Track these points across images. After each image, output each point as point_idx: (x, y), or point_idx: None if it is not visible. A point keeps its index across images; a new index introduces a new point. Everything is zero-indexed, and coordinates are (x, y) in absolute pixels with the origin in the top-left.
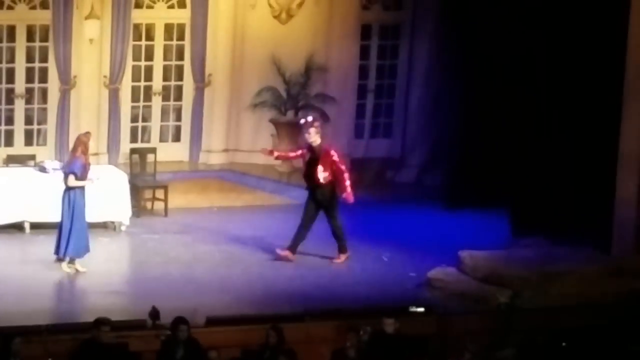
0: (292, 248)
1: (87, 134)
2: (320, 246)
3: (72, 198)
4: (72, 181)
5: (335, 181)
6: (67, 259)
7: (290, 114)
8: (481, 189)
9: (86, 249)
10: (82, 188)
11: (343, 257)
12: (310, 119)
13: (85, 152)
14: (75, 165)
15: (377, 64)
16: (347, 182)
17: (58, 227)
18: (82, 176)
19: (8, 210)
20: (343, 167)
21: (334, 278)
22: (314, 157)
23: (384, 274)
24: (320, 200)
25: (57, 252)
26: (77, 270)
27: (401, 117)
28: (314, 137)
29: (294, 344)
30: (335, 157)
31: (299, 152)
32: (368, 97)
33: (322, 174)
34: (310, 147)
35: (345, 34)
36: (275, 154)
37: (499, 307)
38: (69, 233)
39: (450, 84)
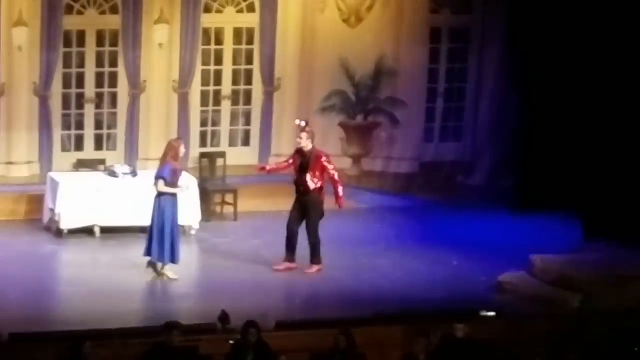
0: (290, 258)
1: (179, 140)
2: (390, 250)
3: (162, 204)
4: (161, 187)
5: (324, 187)
6: (162, 264)
7: (359, 118)
8: (552, 192)
9: (171, 257)
10: (172, 195)
11: (316, 268)
12: (303, 123)
13: (175, 157)
14: (165, 171)
15: (446, 68)
16: (340, 189)
17: (148, 230)
18: (171, 182)
19: (78, 215)
20: (334, 173)
21: (404, 282)
22: (304, 162)
23: (454, 278)
24: (306, 207)
25: (147, 253)
26: (168, 278)
27: (471, 120)
28: (305, 142)
29: (364, 348)
30: (326, 163)
31: (290, 161)
32: (438, 101)
33: (311, 182)
34: (301, 152)
35: (414, 37)
36: (268, 167)
37: (569, 311)
38: (158, 238)
39: (520, 87)
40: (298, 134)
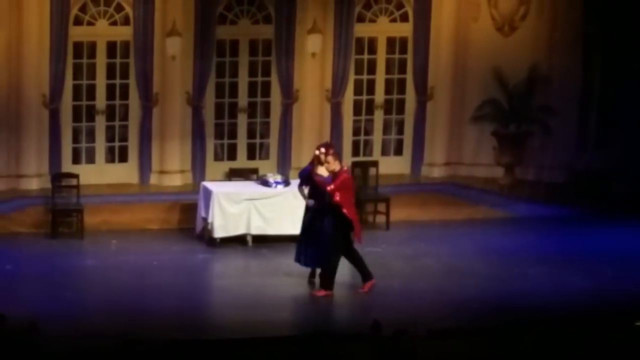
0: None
1: (321, 147)
2: (542, 260)
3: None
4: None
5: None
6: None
7: (512, 127)
8: None
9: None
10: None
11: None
12: (323, 150)
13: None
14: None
15: (600, 76)
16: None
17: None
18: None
19: (231, 224)
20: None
21: (555, 292)
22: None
23: (607, 288)
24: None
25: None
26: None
27: (625, 127)
28: (333, 164)
29: (514, 357)
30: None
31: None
32: (591, 109)
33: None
34: (333, 175)
35: (568, 45)
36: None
37: None
38: (299, 244)
39: None
40: (325, 160)
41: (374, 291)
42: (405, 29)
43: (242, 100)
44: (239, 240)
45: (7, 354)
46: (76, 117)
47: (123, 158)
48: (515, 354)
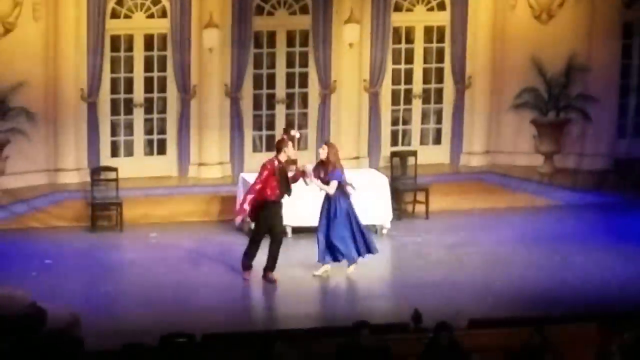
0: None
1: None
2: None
3: (343, 203)
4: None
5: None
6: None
7: (551, 115)
8: None
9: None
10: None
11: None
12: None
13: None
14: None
15: (639, 63)
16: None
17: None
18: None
19: None
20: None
21: (598, 280)
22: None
23: None
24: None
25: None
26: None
27: None
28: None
29: (558, 345)
30: None
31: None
32: (631, 96)
33: None
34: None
35: (606, 33)
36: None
37: None
38: (353, 236)
39: None
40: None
41: (415, 281)
42: (442, 18)
43: (280, 91)
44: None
45: (49, 349)
46: (114, 110)
47: (162, 151)
48: (556, 343)
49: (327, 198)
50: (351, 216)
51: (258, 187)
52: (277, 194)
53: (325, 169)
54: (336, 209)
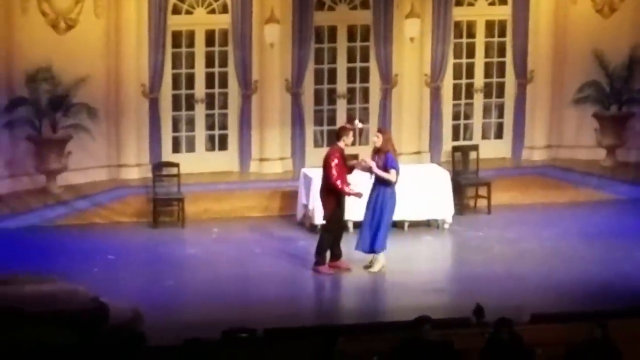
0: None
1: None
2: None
3: (389, 194)
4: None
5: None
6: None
7: (613, 109)
8: None
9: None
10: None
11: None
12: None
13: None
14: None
15: None
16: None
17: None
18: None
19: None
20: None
21: None
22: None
23: None
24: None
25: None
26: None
27: None
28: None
29: (619, 341)
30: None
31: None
32: None
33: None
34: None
35: None
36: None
37: None
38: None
39: None
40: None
41: (477, 276)
42: (504, 12)
43: (341, 86)
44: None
45: (112, 344)
46: (176, 106)
47: (223, 146)
48: (622, 339)
49: (374, 188)
50: (382, 209)
51: (338, 180)
52: (347, 182)
53: (380, 156)
54: (378, 197)
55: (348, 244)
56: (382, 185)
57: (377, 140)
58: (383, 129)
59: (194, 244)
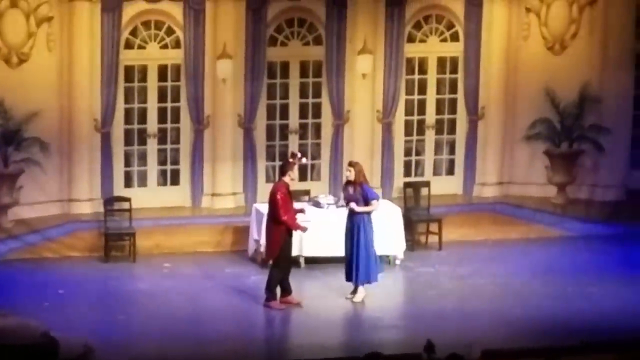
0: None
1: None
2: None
3: (366, 225)
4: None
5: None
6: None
7: (564, 146)
8: None
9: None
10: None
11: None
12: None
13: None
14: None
15: None
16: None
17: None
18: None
19: None
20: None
21: (614, 311)
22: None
23: None
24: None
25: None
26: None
27: None
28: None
29: None
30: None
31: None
32: None
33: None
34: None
35: (619, 64)
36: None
37: None
38: (366, 259)
39: None
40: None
41: (428, 312)
42: (455, 49)
43: (293, 121)
44: (292, 262)
45: None
46: (128, 140)
47: (175, 181)
48: None
49: (352, 219)
50: (367, 238)
51: (284, 216)
52: (293, 217)
53: (356, 189)
54: (360, 227)
55: (325, 279)
56: (361, 215)
57: (349, 174)
58: (353, 162)
59: (145, 278)
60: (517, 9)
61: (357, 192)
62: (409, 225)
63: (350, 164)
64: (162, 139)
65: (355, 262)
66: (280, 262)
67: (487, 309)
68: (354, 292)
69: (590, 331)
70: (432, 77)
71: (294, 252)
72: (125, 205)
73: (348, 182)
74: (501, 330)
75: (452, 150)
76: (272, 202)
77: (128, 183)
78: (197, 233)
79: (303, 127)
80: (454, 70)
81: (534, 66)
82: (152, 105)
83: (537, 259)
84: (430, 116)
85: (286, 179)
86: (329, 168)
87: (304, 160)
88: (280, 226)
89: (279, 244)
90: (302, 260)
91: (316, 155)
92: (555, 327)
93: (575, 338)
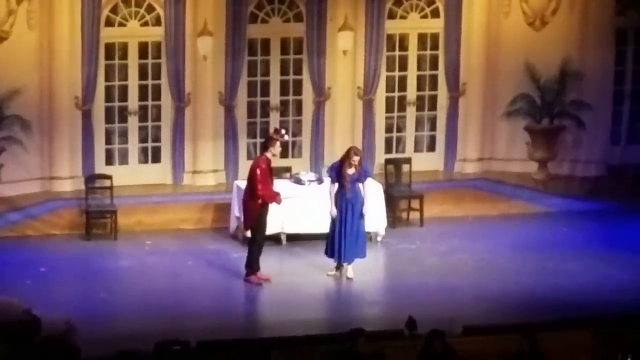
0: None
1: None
2: (578, 254)
3: (352, 202)
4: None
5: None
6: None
7: (545, 122)
8: None
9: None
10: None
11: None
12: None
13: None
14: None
15: (632, 70)
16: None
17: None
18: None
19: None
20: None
21: (592, 286)
22: None
23: None
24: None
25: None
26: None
27: None
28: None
29: (552, 352)
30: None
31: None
32: (624, 103)
33: None
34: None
35: (600, 39)
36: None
37: None
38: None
39: None
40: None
41: (410, 288)
42: (436, 25)
43: (274, 98)
44: (272, 239)
45: (45, 357)
46: (109, 118)
47: (156, 159)
48: (554, 350)
49: (345, 196)
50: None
51: (261, 190)
52: (272, 193)
53: (358, 170)
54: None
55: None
56: (354, 192)
57: (356, 161)
58: (357, 149)
59: (126, 256)
60: None
61: (358, 173)
62: (390, 201)
63: (357, 154)
64: (143, 117)
65: (345, 239)
66: (257, 236)
67: (467, 285)
68: (338, 268)
69: (569, 307)
70: (412, 53)
71: (276, 229)
72: (107, 182)
73: (350, 165)
74: (482, 307)
75: (433, 127)
76: (252, 176)
77: (109, 161)
78: (178, 210)
79: (284, 104)
80: (435, 47)
81: (515, 42)
82: (133, 82)
83: (517, 235)
84: (411, 93)
85: (268, 154)
86: (310, 145)
87: (286, 137)
88: (257, 199)
89: (256, 212)
90: (283, 237)
91: (297, 132)
92: (535, 303)
93: (554, 313)
